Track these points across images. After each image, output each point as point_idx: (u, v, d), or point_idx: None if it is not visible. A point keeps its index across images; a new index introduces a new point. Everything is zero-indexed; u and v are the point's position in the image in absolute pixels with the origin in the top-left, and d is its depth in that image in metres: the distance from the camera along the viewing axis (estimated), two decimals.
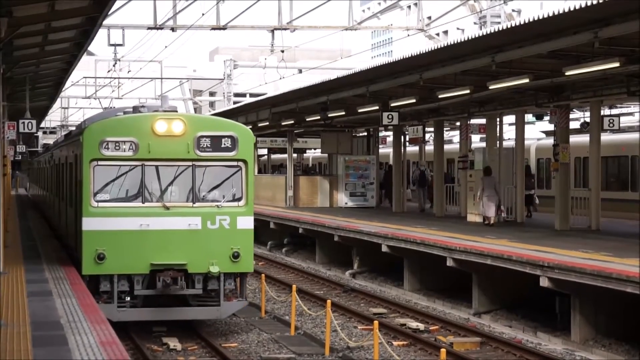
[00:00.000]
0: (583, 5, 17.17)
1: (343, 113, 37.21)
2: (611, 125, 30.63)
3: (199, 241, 18.31)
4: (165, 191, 18.49)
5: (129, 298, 18.23)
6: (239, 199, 18.76)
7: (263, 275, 23.46)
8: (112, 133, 18.21)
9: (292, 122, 42.98)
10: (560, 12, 17.81)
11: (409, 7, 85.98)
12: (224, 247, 18.41)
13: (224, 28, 31.38)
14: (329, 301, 18.93)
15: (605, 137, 32.38)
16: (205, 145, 18.48)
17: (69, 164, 22.14)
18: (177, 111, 19.31)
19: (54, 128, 79.20)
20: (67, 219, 22.80)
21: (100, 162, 18.16)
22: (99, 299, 17.57)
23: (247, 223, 18.65)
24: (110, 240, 17.98)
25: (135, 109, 19.65)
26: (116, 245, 17.99)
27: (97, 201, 18.16)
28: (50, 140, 70.04)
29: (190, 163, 18.50)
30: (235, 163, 18.70)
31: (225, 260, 18.37)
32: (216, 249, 18.35)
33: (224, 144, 18.59)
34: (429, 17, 38.81)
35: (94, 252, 17.89)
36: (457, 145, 38.98)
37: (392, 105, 31.88)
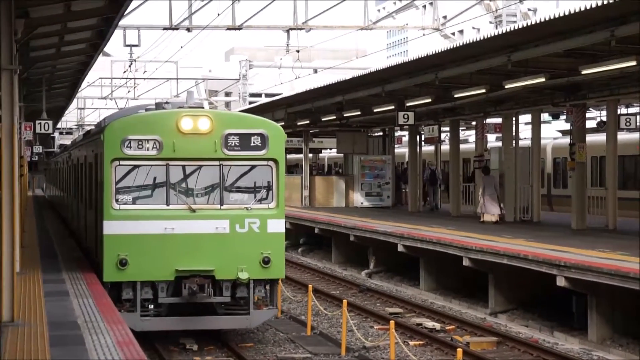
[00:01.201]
0: (599, 4, 17.13)
1: (359, 113, 37.22)
2: (628, 124, 30.54)
3: (227, 246, 17.25)
4: (191, 192, 17.40)
5: (152, 306, 17.24)
6: (270, 201, 17.64)
7: None
8: (135, 131, 17.18)
9: (308, 122, 43.00)
10: (577, 10, 17.76)
11: (424, 6, 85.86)
12: (253, 252, 17.31)
13: (239, 28, 31.39)
14: (345, 301, 18.92)
15: (622, 136, 32.27)
16: (233, 144, 17.42)
17: (89, 164, 21.16)
18: (203, 107, 18.27)
19: (70, 129, 79.42)
20: (86, 221, 21.86)
21: (122, 162, 17.15)
22: (120, 307, 16.66)
23: (278, 226, 17.58)
24: (133, 244, 16.99)
25: (159, 106, 18.61)
26: (139, 250, 16.98)
27: (119, 203, 17.17)
28: (66, 140, 70.26)
29: (217, 162, 17.43)
30: (265, 162, 17.60)
31: (255, 265, 17.30)
32: (245, 254, 17.28)
33: (254, 142, 17.51)
34: (445, 17, 38.72)
35: (116, 257, 16.91)
36: (473, 145, 38.91)
37: (408, 104, 31.86)
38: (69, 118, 73.35)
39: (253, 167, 17.62)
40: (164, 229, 17.08)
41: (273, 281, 17.80)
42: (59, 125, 66.52)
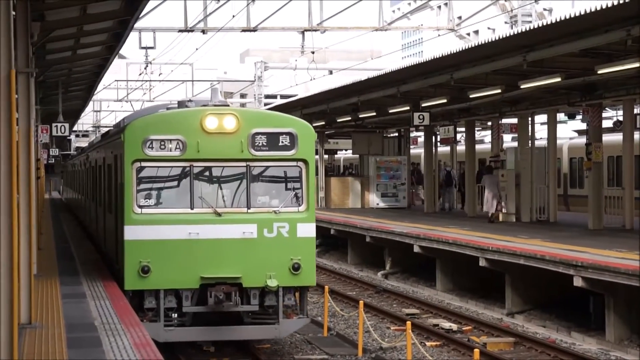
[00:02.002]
0: (615, 3, 17.07)
1: (374, 114, 37.20)
2: None
3: (255, 251, 16.30)
4: (217, 195, 16.46)
5: (176, 315, 16.31)
6: (299, 204, 16.63)
7: None
8: (157, 130, 16.22)
9: (323, 123, 43.01)
10: (592, 10, 17.71)
11: (439, 7, 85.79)
12: (282, 257, 16.34)
13: (254, 30, 31.42)
14: (361, 302, 18.92)
15: (638, 136, 32.15)
16: (260, 144, 16.41)
17: (107, 166, 20.15)
18: (228, 105, 17.35)
19: (86, 131, 79.69)
20: (105, 226, 20.90)
21: (143, 163, 16.21)
22: (143, 316, 15.81)
23: (308, 230, 16.55)
24: (156, 251, 16.07)
25: (181, 104, 17.68)
26: (162, 257, 16.07)
27: (141, 207, 16.22)
28: (82, 143, 70.46)
29: (244, 163, 16.46)
30: (294, 163, 16.59)
31: (284, 272, 16.30)
32: (274, 260, 16.30)
33: (282, 142, 16.50)
34: (460, 17, 38.66)
35: (137, 264, 16.01)
36: (489, 145, 38.84)
37: (423, 105, 31.83)
38: (85, 121, 73.59)
39: (282, 168, 16.67)
40: (188, 234, 16.18)
41: (303, 288, 16.79)
42: (75, 128, 66.76)
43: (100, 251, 23.16)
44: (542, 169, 32.34)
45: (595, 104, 28.30)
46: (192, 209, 16.33)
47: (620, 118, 33.71)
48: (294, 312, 16.77)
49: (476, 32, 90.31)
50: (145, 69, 48.35)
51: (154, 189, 16.35)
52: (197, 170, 16.39)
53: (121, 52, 26.54)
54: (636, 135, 30.26)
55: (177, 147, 16.23)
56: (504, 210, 31.81)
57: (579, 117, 39.57)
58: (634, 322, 18.68)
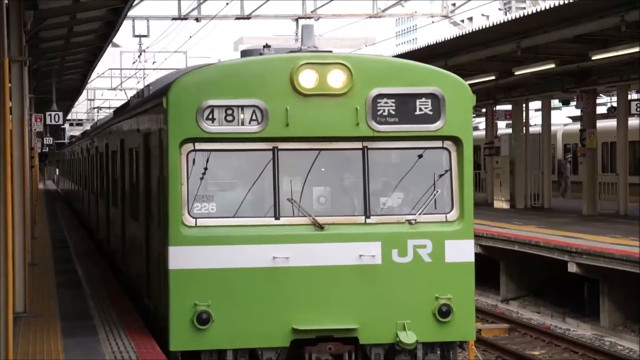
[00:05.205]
0: None
1: None
2: (638, 109, 30.49)
3: (379, 286, 10.54)
4: (316, 196, 10.72)
5: None
6: (448, 209, 10.92)
7: None
8: (221, 92, 10.38)
9: None
10: None
11: None
12: (422, 296, 10.64)
13: (248, 17, 31.37)
14: None
15: (632, 122, 32.20)
16: (386, 112, 10.63)
17: (129, 151, 14.41)
18: (332, 52, 11.14)
19: (80, 120, 79.71)
20: (126, 239, 15.19)
21: (199, 145, 10.42)
22: None
23: (463, 252, 11.01)
24: (220, 287, 10.34)
25: (251, 53, 11.45)
26: (230, 297, 10.35)
27: (195, 216, 10.44)
28: (76, 131, 70.40)
29: (359, 144, 10.66)
30: (439, 143, 10.88)
31: (426, 319, 10.63)
32: (409, 299, 10.60)
33: (421, 109, 10.77)
34: (454, 4, 38.64)
35: (191, 309, 10.26)
36: (483, 132, 38.89)
37: None
38: (79, 109, 73.53)
39: (420, 151, 10.87)
40: (272, 259, 10.41)
41: (454, 344, 10.94)
42: (68, 117, 66.74)
43: (118, 275, 17.04)
44: (536, 156, 32.39)
45: (589, 90, 28.34)
46: (277, 218, 10.59)
47: (615, 104, 33.74)
48: None
49: (470, 19, 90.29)
50: (139, 57, 48.30)
51: (217, 188, 10.65)
52: (285, 155, 10.61)
53: (114, 40, 26.50)
54: (630, 121, 30.31)
55: (254, 118, 10.44)
56: None
57: (573, 103, 39.54)
58: (628, 307, 18.74)
